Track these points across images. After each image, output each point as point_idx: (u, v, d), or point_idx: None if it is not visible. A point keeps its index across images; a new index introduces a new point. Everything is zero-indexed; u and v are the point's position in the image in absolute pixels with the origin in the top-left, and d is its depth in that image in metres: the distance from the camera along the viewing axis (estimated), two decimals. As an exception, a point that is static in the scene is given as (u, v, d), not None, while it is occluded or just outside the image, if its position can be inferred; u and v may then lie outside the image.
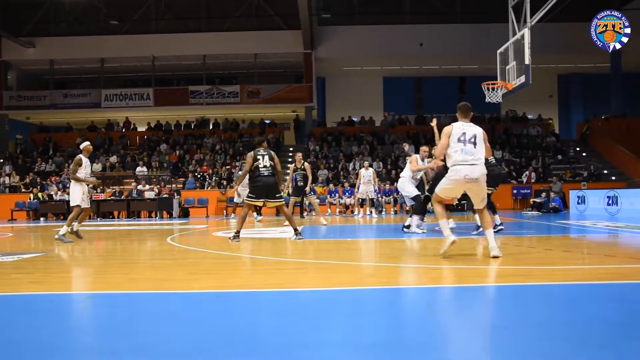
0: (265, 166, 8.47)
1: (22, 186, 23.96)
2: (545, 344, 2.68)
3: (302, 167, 13.09)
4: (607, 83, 28.67)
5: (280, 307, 3.72)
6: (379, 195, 21.39)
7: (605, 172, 25.34)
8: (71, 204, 9.44)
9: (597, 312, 3.34)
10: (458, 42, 27.06)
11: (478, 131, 5.92)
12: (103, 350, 2.71)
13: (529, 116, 30.51)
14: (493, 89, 15.53)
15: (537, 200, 20.07)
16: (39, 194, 22.01)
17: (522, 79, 14.17)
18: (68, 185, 10.40)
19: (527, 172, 24.28)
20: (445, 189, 5.99)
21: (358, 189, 17.31)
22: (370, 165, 19.11)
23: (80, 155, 9.31)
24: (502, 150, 26.24)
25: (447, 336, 2.89)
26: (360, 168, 19.22)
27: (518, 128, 28.83)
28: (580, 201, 18.29)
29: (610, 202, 16.25)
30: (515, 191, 23.29)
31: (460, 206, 20.49)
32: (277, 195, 8.63)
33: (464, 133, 5.82)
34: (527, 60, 13.91)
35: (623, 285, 4.27)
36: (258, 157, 8.49)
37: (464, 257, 6.22)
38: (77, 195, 9.19)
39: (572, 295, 4.01)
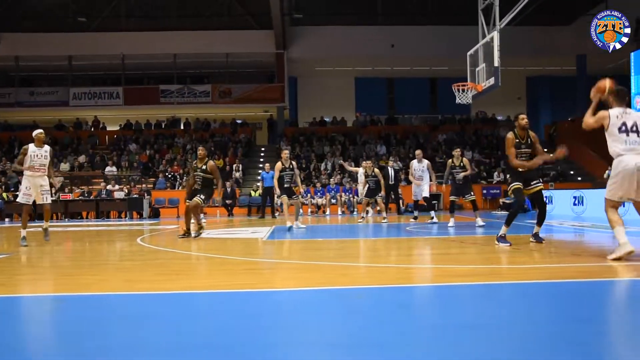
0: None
1: (-15, 186, 23.33)
2: (515, 341, 2.73)
3: (291, 165, 11.57)
4: (573, 86, 29.30)
5: (251, 307, 3.70)
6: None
7: (572, 172, 25.91)
8: None
9: (565, 310, 3.41)
10: (429, 44, 27.35)
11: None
12: (71, 353, 2.65)
13: (499, 117, 31.01)
14: (463, 90, 15.73)
15: (506, 200, 20.42)
16: (4, 194, 21.48)
17: (492, 80, 14.39)
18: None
19: (496, 172, 24.67)
20: (615, 187, 5.48)
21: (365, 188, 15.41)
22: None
23: (29, 145, 8.56)
24: (472, 151, 26.60)
25: (417, 335, 2.92)
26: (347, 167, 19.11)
27: (488, 129, 29.27)
28: (547, 201, 18.61)
29: (576, 202, 16.61)
30: (485, 191, 23.64)
31: (433, 206, 20.68)
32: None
33: (624, 123, 5.38)
34: (496, 63, 14.14)
35: (589, 282, 4.37)
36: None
37: (439, 256, 6.28)
38: (21, 190, 8.50)
39: (539, 293, 4.08)
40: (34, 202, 8.59)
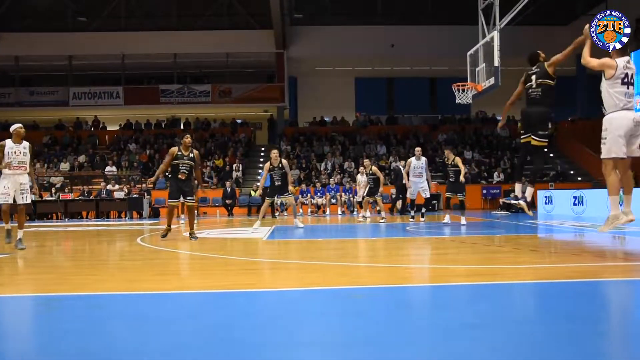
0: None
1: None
2: (515, 341, 2.73)
3: (280, 164, 11.60)
4: (573, 86, 29.31)
5: (251, 307, 3.70)
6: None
7: (572, 172, 25.91)
8: None
9: (565, 309, 3.41)
10: (429, 44, 27.36)
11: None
12: (71, 353, 2.65)
13: (499, 117, 30.96)
14: (463, 90, 15.73)
15: (506, 200, 20.41)
16: (4, 194, 21.44)
17: (492, 80, 14.39)
18: None
19: (496, 172, 24.67)
20: (614, 141, 5.31)
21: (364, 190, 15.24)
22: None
23: (5, 141, 7.79)
24: (472, 151, 26.60)
25: (417, 335, 2.91)
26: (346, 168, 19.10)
27: (488, 129, 29.27)
28: (547, 201, 18.65)
29: (576, 202, 16.61)
30: (485, 191, 23.64)
31: (432, 206, 20.73)
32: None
33: (627, 74, 5.34)
34: (496, 62, 14.14)
35: (589, 282, 4.37)
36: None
37: (438, 256, 6.28)
38: None
39: (540, 293, 4.08)
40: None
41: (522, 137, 6.67)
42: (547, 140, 6.46)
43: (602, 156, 5.34)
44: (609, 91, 5.31)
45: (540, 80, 6.35)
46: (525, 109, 6.49)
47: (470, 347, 2.66)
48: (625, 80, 5.21)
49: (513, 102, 6.77)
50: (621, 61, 5.34)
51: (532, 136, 6.49)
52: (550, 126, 6.61)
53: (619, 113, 5.25)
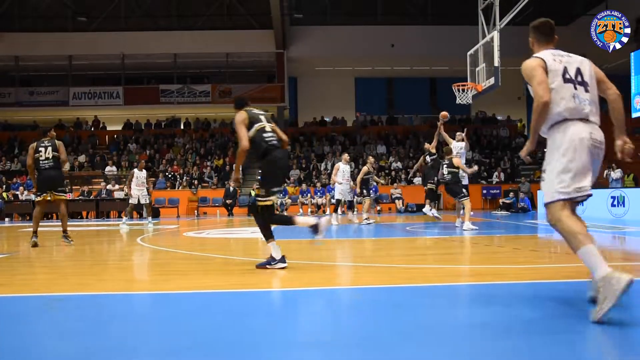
0: (47, 158, 8.07)
1: (-14, 186, 23.33)
2: (514, 341, 2.73)
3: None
4: (573, 85, 29.29)
5: (251, 307, 3.70)
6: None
7: (571, 172, 25.88)
8: None
9: (564, 309, 3.41)
10: (429, 44, 27.35)
11: (584, 65, 3.53)
12: (71, 353, 2.65)
13: (499, 117, 31.02)
14: (463, 90, 15.73)
15: (506, 200, 20.43)
16: (4, 194, 21.48)
17: (492, 80, 14.39)
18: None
19: (496, 173, 24.67)
20: (571, 172, 3.21)
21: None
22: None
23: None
24: (472, 151, 26.60)
25: (416, 335, 2.92)
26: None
27: (488, 129, 29.27)
28: (547, 201, 18.61)
29: (576, 202, 16.57)
30: (485, 191, 23.64)
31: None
32: (61, 189, 8.29)
33: (566, 68, 3.44)
34: (496, 63, 14.13)
35: (588, 283, 4.37)
36: (40, 148, 8.07)
37: (438, 256, 6.28)
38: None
39: (539, 293, 4.08)
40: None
41: None
42: None
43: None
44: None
45: None
46: None
47: (470, 347, 2.66)
48: (568, 76, 3.38)
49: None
50: (546, 53, 3.61)
51: None
52: None
53: (572, 125, 3.32)
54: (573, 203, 3.23)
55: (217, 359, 2.51)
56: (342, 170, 13.22)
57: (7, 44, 27.71)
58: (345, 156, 14.00)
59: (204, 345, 2.71)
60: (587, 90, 3.36)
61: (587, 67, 3.46)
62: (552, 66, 3.42)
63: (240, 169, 5.80)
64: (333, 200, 21.42)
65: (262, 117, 5.48)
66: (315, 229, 5.34)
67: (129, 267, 6.06)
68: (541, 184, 3.44)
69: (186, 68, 30.25)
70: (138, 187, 14.38)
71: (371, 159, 14.71)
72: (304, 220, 5.47)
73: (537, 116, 3.34)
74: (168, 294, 4.21)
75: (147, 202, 14.62)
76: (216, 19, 28.72)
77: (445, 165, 11.50)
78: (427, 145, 12.81)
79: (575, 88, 3.34)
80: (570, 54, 3.58)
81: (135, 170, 14.60)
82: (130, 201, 14.51)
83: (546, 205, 3.26)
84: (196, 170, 24.67)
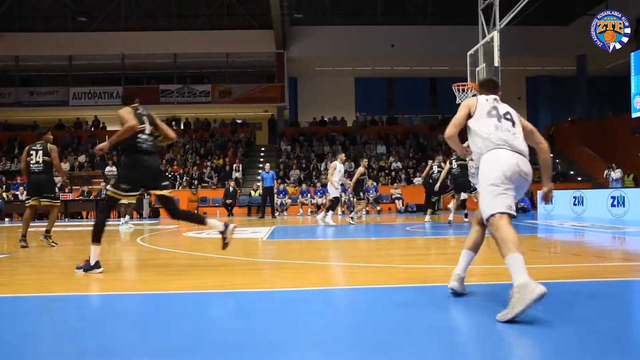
0: (37, 162, 7.95)
1: (-15, 186, 23.33)
2: (513, 341, 2.73)
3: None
4: (573, 86, 29.32)
5: (251, 307, 3.70)
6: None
7: (572, 173, 25.91)
8: None
9: (564, 310, 3.41)
10: (429, 44, 27.36)
11: (511, 109, 3.96)
12: (71, 353, 2.65)
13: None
14: (463, 90, 15.75)
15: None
16: (4, 194, 21.48)
17: (492, 80, 14.39)
18: None
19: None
20: (501, 192, 3.60)
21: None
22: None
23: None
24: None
25: (416, 335, 2.92)
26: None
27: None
28: (547, 201, 18.61)
29: (576, 202, 16.61)
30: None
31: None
32: (47, 195, 8.13)
33: (496, 107, 3.90)
34: (496, 63, 14.15)
35: (589, 283, 4.37)
36: (31, 152, 7.96)
37: (438, 256, 6.28)
38: None
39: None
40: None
41: None
42: None
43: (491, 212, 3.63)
44: (472, 131, 3.89)
45: None
46: None
47: (470, 347, 2.66)
48: (494, 113, 3.81)
49: None
50: (482, 97, 4.00)
51: None
52: None
53: (499, 150, 3.70)
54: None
55: (217, 359, 2.51)
56: (339, 169, 13.16)
57: (7, 44, 27.72)
58: (342, 156, 13.86)
59: (203, 345, 2.71)
60: (513, 126, 3.78)
61: (516, 114, 3.89)
62: (483, 104, 3.89)
63: (113, 148, 5.91)
64: (324, 200, 21.49)
65: (145, 119, 5.67)
66: (223, 234, 5.50)
67: (129, 267, 6.07)
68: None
69: (186, 68, 30.26)
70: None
71: (365, 161, 14.67)
72: (213, 222, 5.57)
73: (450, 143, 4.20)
74: (168, 294, 4.21)
75: (126, 202, 14.53)
76: (216, 19, 28.72)
77: (454, 160, 11.62)
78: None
79: (499, 121, 3.76)
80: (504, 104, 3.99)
81: None
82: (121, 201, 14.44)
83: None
84: (196, 170, 24.67)
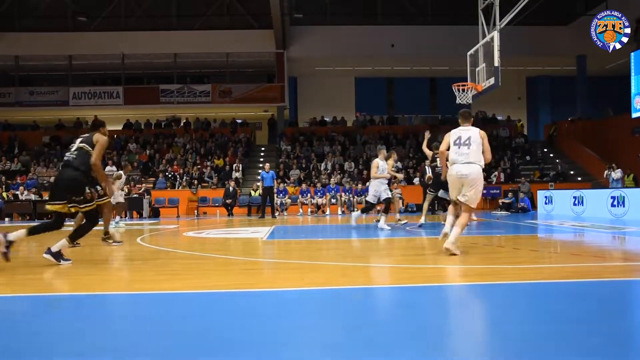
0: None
1: (-15, 186, 23.31)
2: (513, 341, 2.73)
3: None
4: (573, 86, 29.32)
5: (251, 307, 3.70)
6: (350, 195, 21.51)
7: (572, 172, 25.90)
8: None
9: (564, 310, 3.41)
10: (429, 44, 27.34)
11: (473, 133, 6.31)
12: (71, 353, 2.65)
13: (499, 117, 31.02)
14: (463, 90, 15.72)
15: (506, 200, 20.43)
16: (4, 194, 21.47)
17: (492, 80, 14.38)
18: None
19: (496, 173, 24.67)
20: (450, 188, 6.60)
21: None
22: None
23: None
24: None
25: (416, 336, 2.92)
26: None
27: (488, 129, 29.18)
28: (547, 201, 18.64)
29: (576, 202, 16.60)
30: (484, 191, 23.60)
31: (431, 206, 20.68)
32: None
33: (459, 137, 6.31)
34: (496, 63, 14.12)
35: (588, 283, 4.37)
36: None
37: (437, 256, 6.28)
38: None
39: (540, 293, 4.08)
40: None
41: None
42: None
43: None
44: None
45: None
46: None
47: (469, 347, 2.66)
48: (457, 142, 6.29)
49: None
50: (456, 129, 6.43)
51: None
52: None
53: (454, 165, 6.31)
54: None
55: (217, 359, 2.51)
56: (381, 168, 12.08)
57: (7, 44, 27.71)
58: (384, 151, 12.63)
59: (203, 345, 2.71)
60: (468, 148, 6.23)
61: (476, 134, 6.28)
62: (453, 135, 6.42)
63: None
64: (323, 200, 21.38)
65: (79, 139, 6.86)
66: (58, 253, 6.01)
67: (129, 267, 6.06)
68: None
69: (186, 68, 30.26)
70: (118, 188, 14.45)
71: (394, 154, 13.49)
72: (61, 243, 6.07)
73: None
74: (168, 294, 4.21)
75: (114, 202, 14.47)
76: (216, 19, 28.72)
77: (437, 157, 11.52)
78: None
79: (459, 147, 6.28)
80: (470, 128, 6.39)
81: (122, 172, 14.60)
82: (117, 201, 14.41)
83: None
84: (196, 170, 24.66)
